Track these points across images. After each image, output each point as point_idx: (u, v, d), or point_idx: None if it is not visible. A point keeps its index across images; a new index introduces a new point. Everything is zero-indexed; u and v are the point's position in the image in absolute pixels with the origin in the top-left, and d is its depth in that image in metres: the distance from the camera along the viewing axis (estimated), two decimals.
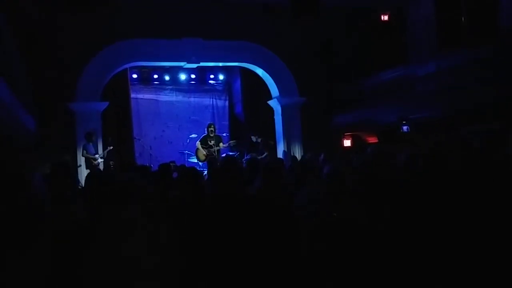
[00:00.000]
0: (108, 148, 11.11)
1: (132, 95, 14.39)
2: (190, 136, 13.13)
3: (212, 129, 11.94)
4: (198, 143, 11.99)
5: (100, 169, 10.62)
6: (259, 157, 12.09)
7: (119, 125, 13.28)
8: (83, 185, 5.64)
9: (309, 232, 3.00)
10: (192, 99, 15.86)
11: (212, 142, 11.81)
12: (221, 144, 11.94)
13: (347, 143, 12.59)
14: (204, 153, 11.80)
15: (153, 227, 2.44)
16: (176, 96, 15.67)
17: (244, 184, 4.42)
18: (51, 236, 1.88)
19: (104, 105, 11.77)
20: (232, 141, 12.64)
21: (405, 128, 10.13)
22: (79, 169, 10.92)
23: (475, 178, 2.75)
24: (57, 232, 2.26)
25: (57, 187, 3.76)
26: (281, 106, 13.22)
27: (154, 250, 2.34)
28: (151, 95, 15.38)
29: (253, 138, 12.46)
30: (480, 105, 8.37)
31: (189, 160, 12.61)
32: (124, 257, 2.27)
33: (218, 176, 4.40)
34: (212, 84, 16.15)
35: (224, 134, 13.66)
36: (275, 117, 13.59)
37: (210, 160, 11.54)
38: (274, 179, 4.06)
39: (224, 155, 12.04)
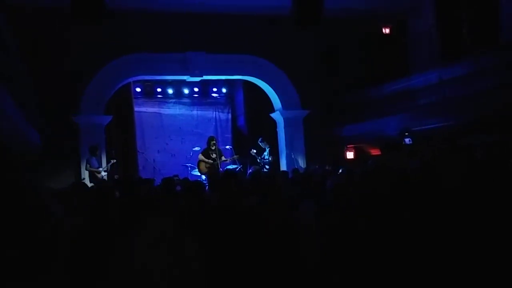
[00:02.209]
0: (111, 161, 11.15)
1: (136, 109, 14.46)
2: (193, 149, 13.16)
3: (214, 142, 12.04)
4: (200, 156, 12.07)
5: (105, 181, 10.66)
6: (265, 160, 12.17)
7: (122, 138, 13.32)
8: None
9: (312, 243, 3.00)
10: (195, 112, 15.92)
11: (214, 155, 11.91)
12: (223, 158, 12.05)
13: (350, 155, 12.58)
14: (207, 165, 11.86)
15: (178, 238, 2.43)
16: (179, 109, 15.73)
17: (246, 197, 4.44)
18: (67, 249, 1.89)
19: (107, 118, 11.84)
20: (235, 156, 12.67)
21: (407, 140, 10.11)
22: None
23: (477, 189, 2.75)
24: (72, 244, 2.27)
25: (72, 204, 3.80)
26: (284, 119, 13.26)
27: (179, 261, 2.33)
28: (154, 109, 15.45)
29: (262, 144, 12.52)
30: (483, 116, 8.37)
31: (192, 173, 12.63)
32: (149, 267, 2.27)
33: (219, 189, 4.43)
34: (215, 97, 16.21)
35: (227, 147, 13.70)
36: (277, 129, 13.62)
37: (209, 172, 11.61)
38: (273, 190, 4.08)
39: (226, 168, 12.11)
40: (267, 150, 12.50)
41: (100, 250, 2.37)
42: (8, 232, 1.45)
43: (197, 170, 12.38)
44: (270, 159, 12.40)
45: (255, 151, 12.52)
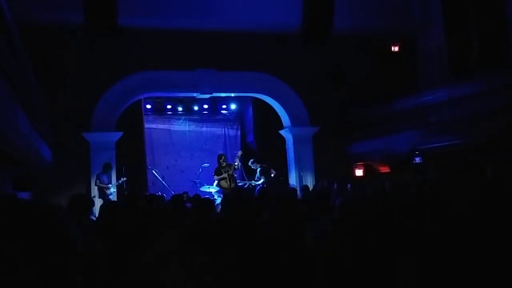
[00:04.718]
0: (122, 179, 11.18)
1: (146, 125, 14.57)
2: (203, 165, 13.20)
3: (223, 159, 12.10)
4: (215, 176, 12.13)
5: (111, 199, 10.71)
6: (256, 184, 12.19)
7: (132, 154, 13.40)
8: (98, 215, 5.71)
9: (321, 262, 3.00)
10: (204, 128, 16.00)
11: (226, 170, 12.00)
12: (234, 166, 12.11)
13: (359, 172, 12.56)
14: (227, 180, 11.92)
15: (190, 254, 2.45)
16: (188, 126, 15.83)
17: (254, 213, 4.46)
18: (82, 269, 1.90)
19: (118, 135, 11.93)
20: (239, 152, 12.81)
21: (417, 159, 10.08)
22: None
23: (487, 208, 2.75)
24: (86, 264, 2.29)
25: (74, 218, 3.81)
26: (293, 136, 13.28)
27: (191, 277, 2.35)
28: (164, 125, 15.56)
29: (253, 166, 12.55)
30: (493, 134, 8.35)
31: (201, 189, 12.65)
32: (161, 283, 2.28)
33: (229, 206, 4.46)
34: (224, 114, 16.30)
35: (236, 163, 13.73)
36: (286, 146, 13.63)
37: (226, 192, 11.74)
38: (287, 209, 4.09)
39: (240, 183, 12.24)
40: (258, 170, 12.49)
41: (113, 267, 2.39)
42: (28, 251, 1.47)
43: (206, 186, 12.43)
44: (262, 179, 12.35)
45: (254, 164, 12.57)
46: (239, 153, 12.84)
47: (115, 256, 2.58)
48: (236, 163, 12.30)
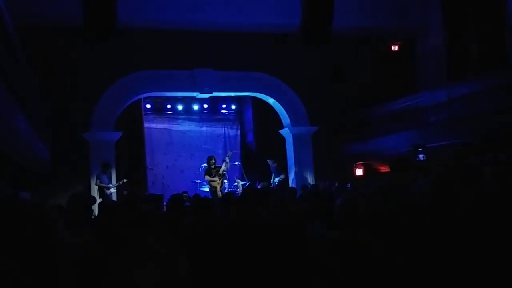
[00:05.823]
0: (123, 180, 11.18)
1: (145, 125, 14.56)
2: (202, 165, 13.20)
3: (213, 161, 12.10)
4: (206, 177, 12.13)
5: (111, 199, 10.71)
6: (277, 179, 12.24)
7: (132, 154, 13.39)
8: (97, 214, 5.72)
9: (320, 260, 2.99)
10: (204, 128, 15.98)
11: (215, 170, 12.03)
12: (222, 168, 12.12)
13: (359, 172, 12.56)
14: (217, 181, 11.91)
15: (171, 256, 2.44)
16: (188, 125, 15.81)
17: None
18: (67, 267, 1.90)
19: (118, 135, 11.93)
20: (230, 152, 12.79)
21: (421, 156, 10.02)
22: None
23: (488, 211, 2.74)
24: (71, 263, 2.29)
25: (73, 217, 3.81)
26: (293, 135, 13.28)
27: (171, 280, 2.34)
28: (164, 125, 15.54)
29: (269, 162, 12.56)
30: (491, 134, 8.35)
31: (201, 189, 12.65)
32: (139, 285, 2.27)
33: (230, 205, 4.46)
34: (224, 114, 16.29)
35: (236, 163, 13.73)
36: (286, 146, 13.63)
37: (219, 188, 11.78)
38: (288, 209, 4.09)
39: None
40: (277, 167, 12.55)
41: (96, 269, 2.38)
42: (10, 252, 1.46)
43: (206, 186, 12.44)
44: (283, 175, 12.43)
45: (271, 161, 12.65)
46: (230, 153, 12.83)
47: (104, 256, 2.56)
48: (226, 164, 12.29)
